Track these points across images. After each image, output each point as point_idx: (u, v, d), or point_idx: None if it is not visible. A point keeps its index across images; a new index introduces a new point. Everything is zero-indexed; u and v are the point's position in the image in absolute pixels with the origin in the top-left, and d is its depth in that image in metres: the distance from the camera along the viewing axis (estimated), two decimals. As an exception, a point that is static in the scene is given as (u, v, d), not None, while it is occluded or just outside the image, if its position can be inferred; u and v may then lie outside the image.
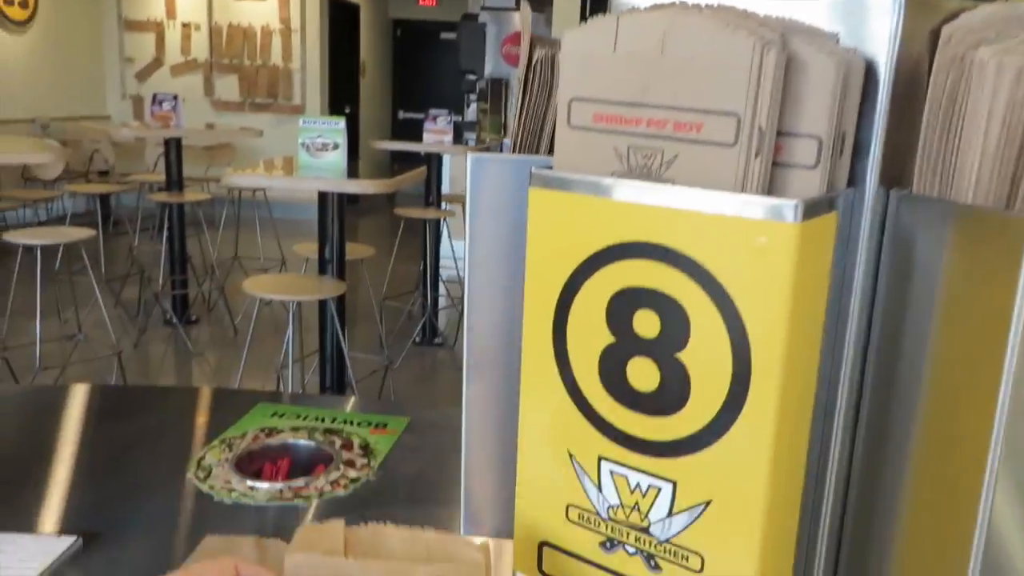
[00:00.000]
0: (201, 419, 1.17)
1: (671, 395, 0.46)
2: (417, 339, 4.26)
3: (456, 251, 4.67)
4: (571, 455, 0.48)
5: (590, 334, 0.48)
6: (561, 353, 0.49)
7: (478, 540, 0.52)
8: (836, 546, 0.50)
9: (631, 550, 0.46)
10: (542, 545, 0.50)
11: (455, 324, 4.56)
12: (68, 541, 0.81)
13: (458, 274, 4.71)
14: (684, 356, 0.46)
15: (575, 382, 0.48)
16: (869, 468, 0.49)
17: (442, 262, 4.47)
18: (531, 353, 0.50)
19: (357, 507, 0.92)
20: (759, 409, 0.43)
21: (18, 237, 3.16)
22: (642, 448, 0.45)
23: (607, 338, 0.48)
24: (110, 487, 0.95)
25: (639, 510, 0.45)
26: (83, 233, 3.28)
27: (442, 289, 4.59)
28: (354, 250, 3.42)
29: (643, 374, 0.47)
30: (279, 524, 0.86)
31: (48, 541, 0.81)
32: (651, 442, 0.45)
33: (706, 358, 0.45)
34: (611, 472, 0.46)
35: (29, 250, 3.30)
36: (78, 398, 1.21)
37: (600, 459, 0.47)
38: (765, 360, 0.44)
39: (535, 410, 0.50)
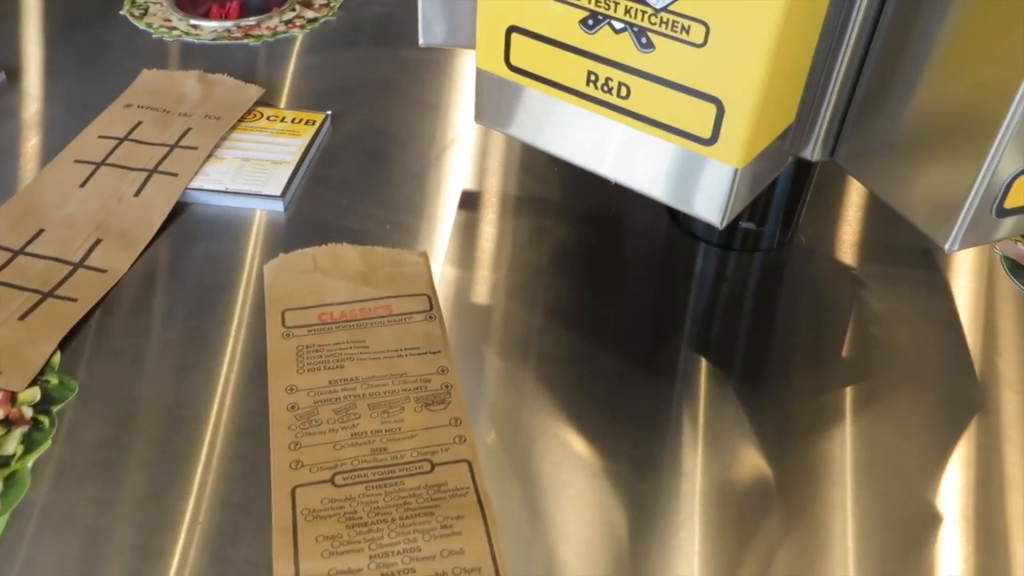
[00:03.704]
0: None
1: None
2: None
3: None
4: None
5: None
6: None
7: (418, 252, 0.57)
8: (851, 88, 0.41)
9: (618, 26, 0.37)
10: (511, 31, 0.41)
11: None
12: (-11, 75, 0.72)
13: None
14: None
15: None
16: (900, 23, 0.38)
17: None
18: None
19: (315, 49, 0.82)
20: None
21: None
22: None
23: None
24: (34, 23, 0.84)
25: (632, -29, 0.36)
26: None
27: None
28: None
29: None
30: (226, 64, 0.77)
31: (-34, 75, 0.72)
32: None
33: None
34: (599, -78, 0.35)
35: None
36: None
37: (585, -97, 0.35)
38: None
39: None
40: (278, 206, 0.60)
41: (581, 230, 0.62)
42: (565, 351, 0.52)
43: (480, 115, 0.45)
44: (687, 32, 0.35)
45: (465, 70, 0.81)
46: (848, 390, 0.50)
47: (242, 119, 0.68)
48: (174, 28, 0.83)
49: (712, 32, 0.34)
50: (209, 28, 0.83)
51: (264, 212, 0.61)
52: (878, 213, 0.64)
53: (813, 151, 0.43)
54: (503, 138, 0.72)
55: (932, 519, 0.44)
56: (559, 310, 0.55)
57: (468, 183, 0.66)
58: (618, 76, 0.38)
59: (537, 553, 0.41)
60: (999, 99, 0.35)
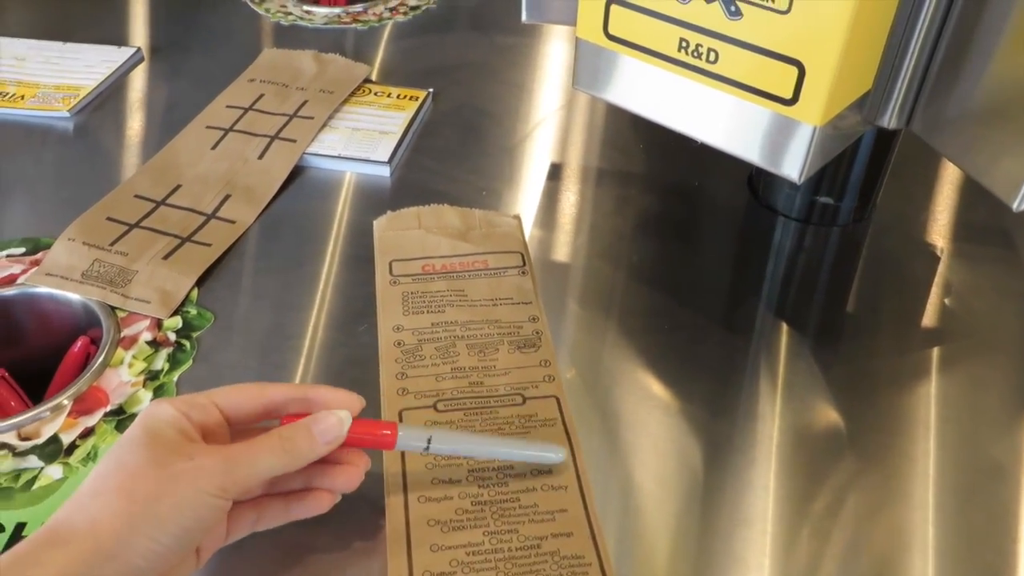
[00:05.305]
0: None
1: None
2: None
3: None
4: None
5: None
6: None
7: (512, 215, 0.62)
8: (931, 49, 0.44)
9: (709, -3, 0.41)
10: (610, 3, 0.45)
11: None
12: (129, 52, 0.80)
13: None
14: None
15: None
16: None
17: None
18: None
19: (417, 33, 0.87)
20: None
21: None
22: None
23: None
24: (166, 6, 0.92)
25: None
26: None
27: None
28: None
29: None
30: (336, 46, 0.83)
31: (109, 51, 0.80)
32: None
33: None
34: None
35: None
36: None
37: None
38: None
39: None
40: (385, 171, 0.66)
41: (664, 201, 0.66)
42: (646, 306, 0.56)
43: (578, 81, 0.49)
44: (773, 0, 0.39)
45: (554, 54, 0.85)
46: (924, 353, 0.53)
47: (352, 94, 0.74)
48: (289, 13, 0.90)
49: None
50: (321, 14, 0.89)
51: (369, 177, 0.66)
52: (955, 194, 0.66)
53: (890, 119, 0.46)
54: (590, 117, 0.76)
55: (1005, 472, 0.46)
56: (641, 271, 0.58)
57: (557, 157, 0.70)
58: (708, 42, 0.42)
59: (616, 477, 0.45)
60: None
